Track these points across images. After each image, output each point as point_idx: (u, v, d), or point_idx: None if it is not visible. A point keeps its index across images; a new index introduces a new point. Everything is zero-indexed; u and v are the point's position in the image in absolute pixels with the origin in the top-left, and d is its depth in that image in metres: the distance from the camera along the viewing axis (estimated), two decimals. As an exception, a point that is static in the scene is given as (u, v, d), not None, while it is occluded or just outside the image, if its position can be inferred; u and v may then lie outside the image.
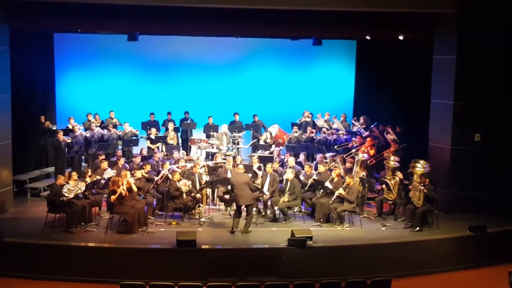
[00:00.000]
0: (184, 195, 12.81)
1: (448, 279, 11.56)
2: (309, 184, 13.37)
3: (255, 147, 16.59)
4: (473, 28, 13.58)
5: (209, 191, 13.82)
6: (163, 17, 14.14)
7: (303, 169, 13.98)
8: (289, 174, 12.99)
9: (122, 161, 13.95)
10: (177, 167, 13.55)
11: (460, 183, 13.93)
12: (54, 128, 16.07)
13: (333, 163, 14.36)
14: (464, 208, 13.84)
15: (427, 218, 12.77)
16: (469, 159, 13.91)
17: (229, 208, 13.48)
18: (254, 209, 13.15)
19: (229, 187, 12.88)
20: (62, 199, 11.84)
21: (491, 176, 13.97)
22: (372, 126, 16.42)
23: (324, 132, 16.59)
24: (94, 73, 17.99)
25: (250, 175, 13.04)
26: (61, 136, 15.08)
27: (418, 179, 12.56)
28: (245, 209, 12.32)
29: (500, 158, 14.03)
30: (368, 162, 14.94)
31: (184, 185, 12.79)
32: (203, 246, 11.16)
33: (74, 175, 12.32)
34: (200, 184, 13.19)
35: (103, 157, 14.17)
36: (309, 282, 9.55)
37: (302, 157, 15.10)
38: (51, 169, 16.02)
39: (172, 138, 16.25)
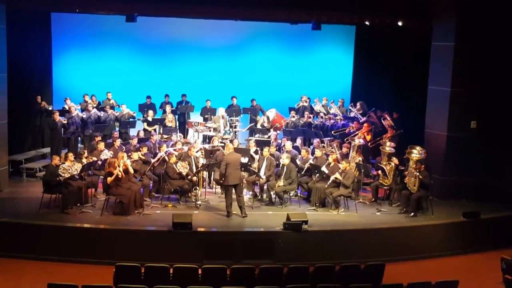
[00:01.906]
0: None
1: (442, 264, 11.64)
2: (305, 168, 13.40)
3: (252, 131, 16.61)
4: (472, 15, 13.55)
5: (205, 174, 13.83)
6: (162, -1, 14.10)
7: (300, 153, 14.00)
8: (285, 159, 13.00)
9: (118, 142, 13.94)
10: (174, 150, 13.55)
11: (455, 170, 13.98)
12: (50, 109, 16.02)
13: (330, 148, 14.40)
14: (459, 194, 13.90)
15: (421, 203, 12.83)
16: (465, 146, 13.93)
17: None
18: (251, 192, 13.21)
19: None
20: (59, 179, 11.84)
21: (486, 163, 14.01)
22: (370, 111, 16.44)
23: (322, 117, 16.60)
24: (92, 53, 17.91)
25: (241, 155, 12.96)
26: (57, 116, 15.04)
27: (414, 165, 12.60)
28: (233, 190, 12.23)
29: (495, 146, 14.05)
30: (370, 144, 14.99)
31: (183, 167, 12.79)
32: (199, 229, 11.19)
33: (71, 156, 12.30)
34: (197, 167, 13.20)
35: (99, 138, 14.17)
36: (304, 265, 9.59)
37: (299, 141, 15.12)
38: (47, 150, 15.99)
39: (171, 120, 16.22)
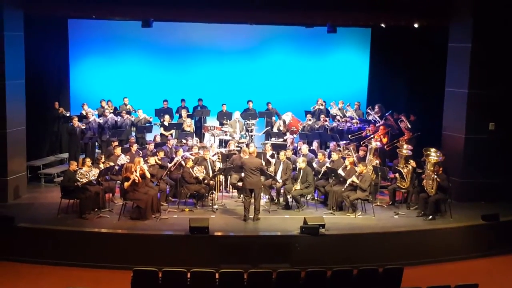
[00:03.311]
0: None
1: (461, 268, 11.54)
2: (322, 172, 13.36)
3: (268, 135, 16.58)
4: (489, 15, 13.45)
5: (222, 178, 13.84)
6: (177, 4, 14.12)
7: (316, 157, 13.97)
8: (301, 163, 12.97)
9: (135, 147, 14.00)
10: (191, 154, 13.58)
11: (474, 172, 13.86)
12: (68, 114, 16.13)
13: (346, 151, 14.34)
14: (477, 196, 13.78)
15: (440, 206, 12.74)
16: (483, 148, 13.82)
17: (242, 195, 13.49)
18: (267, 196, 13.18)
19: (242, 174, 12.95)
20: (76, 184, 11.92)
21: (504, 165, 13.88)
22: (387, 114, 16.36)
23: (338, 120, 16.54)
24: (108, 59, 18.01)
25: (265, 161, 13.07)
26: (76, 122, 15.14)
27: (432, 168, 12.51)
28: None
29: (514, 147, 13.95)
30: (386, 147, 14.92)
31: (199, 171, 12.80)
32: (216, 233, 11.20)
33: (88, 161, 12.39)
34: (213, 171, 13.21)
35: (116, 143, 14.24)
36: (321, 269, 9.53)
37: (315, 145, 15.09)
38: (65, 155, 16.11)
39: (189, 125, 16.22)
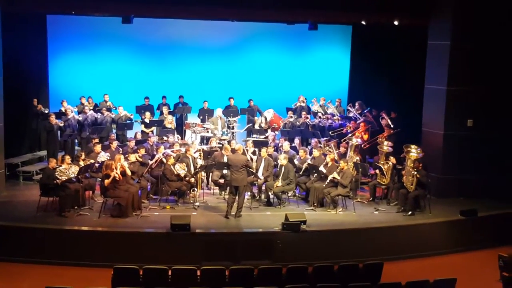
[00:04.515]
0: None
1: (440, 263, 11.65)
2: (303, 168, 13.40)
3: (250, 132, 16.59)
4: (468, 14, 13.59)
5: (203, 175, 13.82)
6: (158, 0, 14.04)
7: (297, 153, 14.01)
8: (282, 160, 12.99)
9: (114, 144, 13.91)
10: (172, 151, 13.53)
11: (452, 168, 14.02)
12: (47, 112, 15.93)
13: (327, 148, 14.40)
14: (456, 192, 13.94)
15: (419, 202, 12.85)
16: (462, 144, 13.97)
17: (223, 192, 13.50)
18: (249, 193, 13.18)
19: (224, 171, 12.97)
20: (56, 182, 11.81)
21: (482, 161, 14.04)
22: (365, 111, 16.46)
23: (319, 117, 16.60)
24: (88, 56, 17.84)
25: (248, 157, 13.07)
26: (53, 119, 14.97)
27: (412, 164, 12.62)
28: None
29: (492, 144, 14.09)
30: (362, 146, 15.00)
31: (181, 168, 12.76)
32: (197, 230, 11.18)
33: (68, 158, 12.27)
34: (195, 168, 13.18)
35: (96, 140, 14.13)
36: (303, 265, 9.59)
37: (297, 141, 15.13)
38: (44, 153, 15.95)
39: (170, 122, 16.14)
